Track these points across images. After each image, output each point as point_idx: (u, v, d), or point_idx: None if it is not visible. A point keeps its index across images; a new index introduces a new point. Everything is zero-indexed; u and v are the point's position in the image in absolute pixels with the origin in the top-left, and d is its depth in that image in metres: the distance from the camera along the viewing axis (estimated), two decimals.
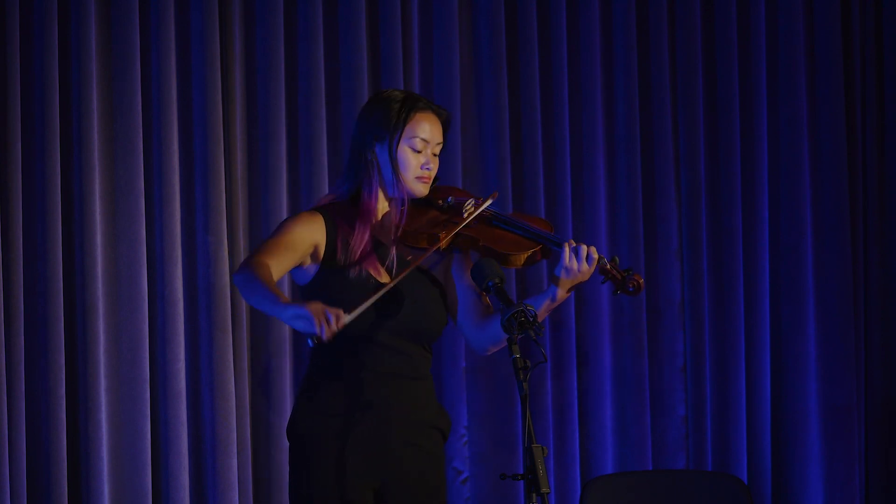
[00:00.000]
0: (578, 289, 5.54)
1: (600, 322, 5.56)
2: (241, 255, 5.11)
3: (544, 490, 3.23)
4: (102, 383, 4.94)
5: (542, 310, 3.63)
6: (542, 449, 3.26)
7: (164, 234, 5.03)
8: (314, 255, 3.59)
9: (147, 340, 5.00)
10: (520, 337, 3.41)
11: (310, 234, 3.57)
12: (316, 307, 3.30)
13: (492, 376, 5.43)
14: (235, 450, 5.06)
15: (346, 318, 3.34)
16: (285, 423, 5.10)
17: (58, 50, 4.94)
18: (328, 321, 3.29)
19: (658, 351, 5.63)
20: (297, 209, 5.12)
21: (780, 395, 5.73)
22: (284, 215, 5.14)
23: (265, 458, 5.15)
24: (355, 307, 3.42)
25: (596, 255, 3.61)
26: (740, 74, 5.72)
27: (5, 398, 4.84)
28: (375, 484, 3.59)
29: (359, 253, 3.57)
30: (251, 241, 5.15)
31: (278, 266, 3.51)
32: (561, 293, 3.62)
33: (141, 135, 5.03)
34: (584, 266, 3.59)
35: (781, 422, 5.72)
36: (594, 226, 5.56)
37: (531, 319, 3.40)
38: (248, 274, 3.42)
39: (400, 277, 3.55)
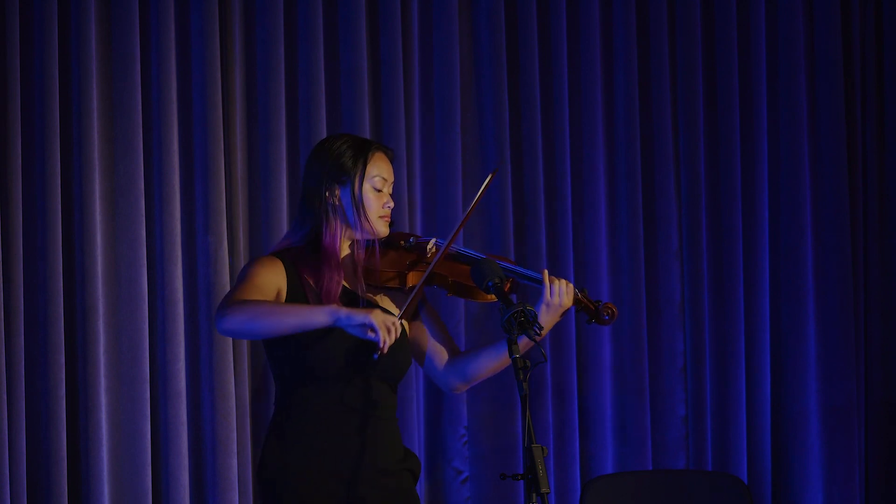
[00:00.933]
0: (579, 285, 5.55)
1: None
2: (241, 254, 5.11)
3: (544, 490, 3.23)
4: (102, 383, 4.94)
5: (523, 346, 3.60)
6: (542, 449, 3.26)
7: (164, 234, 5.03)
8: (277, 299, 3.59)
9: (147, 340, 5.00)
10: (518, 337, 3.42)
11: (274, 278, 3.59)
12: (378, 316, 3.36)
13: (492, 376, 5.42)
14: (235, 450, 5.06)
15: (398, 322, 3.43)
16: None
17: (58, 50, 4.94)
18: (389, 333, 3.38)
19: (658, 351, 5.63)
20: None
21: (780, 395, 5.73)
22: (284, 215, 5.14)
23: None
24: (330, 354, 3.51)
25: (572, 287, 3.68)
26: (740, 74, 5.72)
27: (5, 398, 4.84)
28: None
29: (333, 297, 3.57)
30: (251, 241, 5.15)
31: None
32: (542, 330, 3.58)
33: (141, 135, 5.02)
34: (566, 299, 3.65)
35: (781, 422, 5.72)
36: (594, 226, 5.56)
37: (531, 319, 3.41)
38: (246, 308, 3.42)
39: (411, 300, 3.59)
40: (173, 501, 4.99)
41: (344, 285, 3.63)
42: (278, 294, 3.59)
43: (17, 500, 4.85)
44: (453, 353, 3.78)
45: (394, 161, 3.75)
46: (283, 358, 3.57)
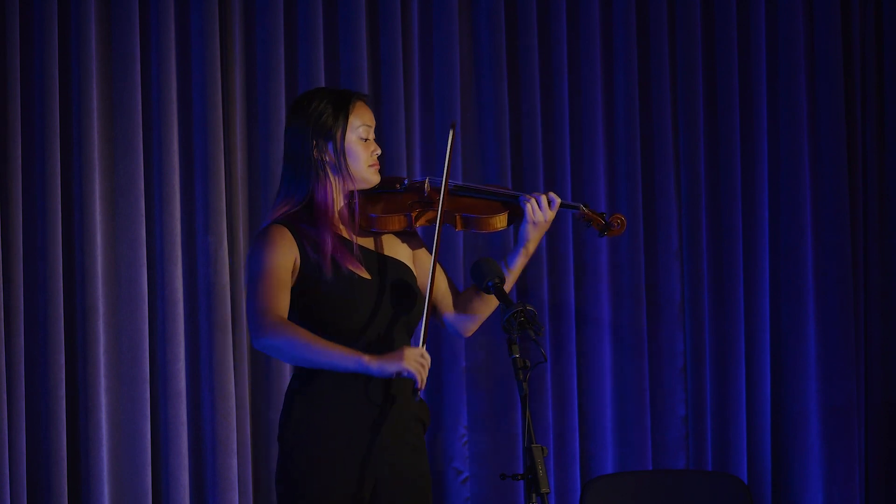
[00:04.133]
0: (579, 285, 5.56)
1: (600, 322, 5.56)
2: (241, 254, 5.11)
3: (544, 490, 3.23)
4: (102, 383, 4.94)
5: (518, 265, 3.72)
6: (542, 449, 3.27)
7: (164, 234, 5.03)
8: (293, 270, 3.61)
9: (147, 340, 5.00)
10: (519, 337, 3.42)
11: (289, 253, 3.60)
12: (410, 360, 3.43)
13: (492, 376, 5.43)
14: (235, 450, 5.05)
15: (424, 351, 3.49)
16: None
17: (58, 50, 4.94)
18: (424, 367, 3.44)
19: (658, 351, 5.63)
20: None
21: (780, 395, 5.73)
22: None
23: (265, 458, 5.15)
24: (349, 308, 3.54)
25: (558, 200, 3.71)
26: (740, 74, 5.71)
27: (5, 398, 4.84)
28: (370, 484, 3.60)
29: (331, 254, 3.59)
30: (251, 241, 5.14)
31: (285, 305, 3.56)
32: (532, 245, 3.73)
33: (141, 135, 5.02)
34: (549, 212, 3.70)
35: (781, 422, 5.72)
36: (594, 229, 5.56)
37: (531, 319, 3.40)
38: (286, 336, 3.47)
39: (436, 247, 3.61)
40: (173, 501, 4.99)
41: (345, 237, 3.64)
42: (294, 264, 3.59)
43: (17, 500, 4.85)
44: (456, 294, 3.80)
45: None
46: (304, 315, 3.59)
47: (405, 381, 3.62)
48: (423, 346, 3.49)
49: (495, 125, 5.43)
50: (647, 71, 5.64)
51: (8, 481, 4.83)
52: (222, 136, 5.09)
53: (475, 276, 3.62)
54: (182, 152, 5.09)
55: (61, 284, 4.91)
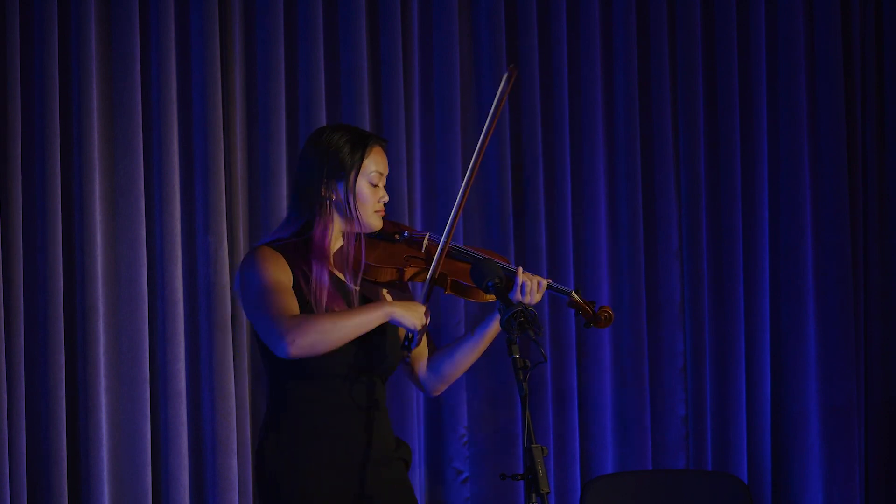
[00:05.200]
0: (579, 285, 5.55)
1: None
2: (241, 255, 5.11)
3: (544, 490, 3.23)
4: (102, 383, 4.94)
5: (488, 337, 3.69)
6: (542, 449, 3.26)
7: (164, 234, 5.03)
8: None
9: (147, 340, 5.00)
10: (519, 337, 3.42)
11: (284, 273, 3.57)
12: (424, 319, 3.54)
13: (492, 376, 5.43)
14: (235, 450, 5.06)
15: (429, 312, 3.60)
16: None
17: (58, 50, 4.94)
18: (425, 327, 3.55)
19: (658, 351, 5.63)
20: None
21: (780, 395, 5.73)
22: (284, 215, 5.13)
23: None
24: (334, 357, 3.55)
25: (545, 283, 3.69)
26: (740, 74, 5.72)
27: (5, 398, 4.84)
28: None
29: (321, 291, 3.57)
30: (251, 241, 5.15)
31: (296, 307, 3.53)
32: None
33: (141, 135, 5.03)
34: (536, 296, 3.68)
35: (781, 422, 5.72)
36: (594, 226, 5.56)
37: (531, 319, 3.41)
38: (311, 327, 3.45)
39: (428, 293, 3.63)
40: (173, 501, 4.99)
41: (340, 279, 3.63)
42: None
43: (17, 500, 4.85)
44: (431, 352, 3.80)
45: (389, 154, 3.76)
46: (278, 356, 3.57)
47: (376, 416, 3.62)
48: (425, 302, 3.59)
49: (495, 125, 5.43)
50: (647, 71, 5.64)
51: (8, 481, 4.83)
52: (222, 136, 5.09)
53: (475, 277, 3.62)
54: (182, 152, 5.09)
55: (61, 284, 4.91)
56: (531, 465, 3.24)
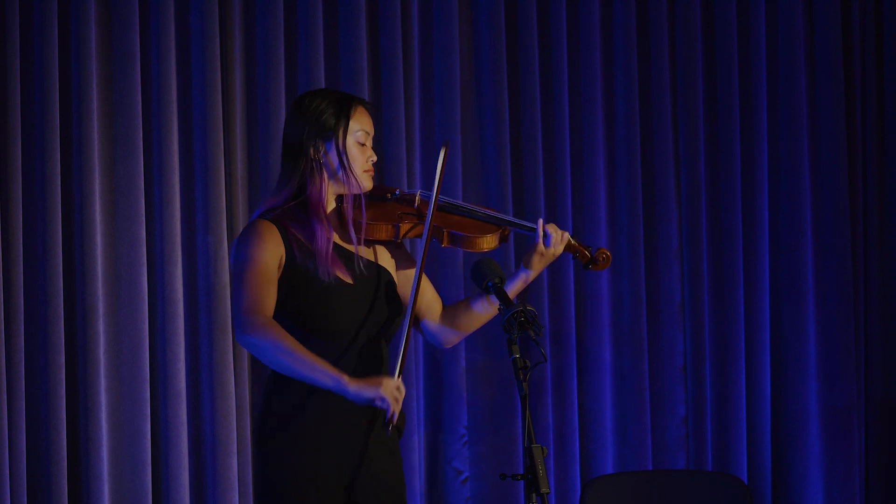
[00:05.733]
0: (579, 285, 5.55)
1: (600, 322, 5.56)
2: None
3: (544, 490, 3.23)
4: (102, 383, 4.94)
5: (515, 291, 3.72)
6: (542, 449, 3.27)
7: (164, 234, 5.03)
8: (280, 266, 3.61)
9: (147, 340, 5.00)
10: (519, 337, 3.42)
11: (274, 251, 3.60)
12: (387, 392, 3.43)
13: (492, 376, 5.43)
14: (235, 450, 5.06)
15: (401, 384, 3.47)
16: None
17: (58, 50, 4.94)
18: (398, 402, 3.44)
19: (658, 351, 5.63)
20: None
21: (780, 395, 5.73)
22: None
23: None
24: (329, 312, 3.55)
25: (567, 235, 3.71)
26: (740, 74, 5.71)
27: (5, 398, 4.84)
28: (344, 484, 3.60)
29: (327, 253, 3.59)
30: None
31: (272, 303, 3.55)
32: (534, 274, 3.73)
33: (141, 135, 5.03)
34: (559, 247, 3.70)
35: (781, 422, 5.72)
36: (594, 226, 5.56)
37: (531, 319, 3.41)
38: (271, 339, 3.45)
39: (422, 263, 3.60)
40: (173, 501, 4.99)
41: (337, 242, 3.65)
42: (280, 263, 3.59)
43: (17, 500, 4.85)
44: (440, 304, 3.81)
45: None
46: (282, 310, 3.58)
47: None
48: (398, 377, 3.48)
49: (495, 126, 5.43)
50: (647, 71, 5.64)
51: (8, 481, 4.83)
52: (222, 136, 5.09)
53: (475, 277, 3.62)
54: (182, 152, 5.09)
55: (61, 284, 4.91)
56: (531, 465, 3.24)
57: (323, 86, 5.21)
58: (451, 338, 3.80)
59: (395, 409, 3.43)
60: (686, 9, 5.66)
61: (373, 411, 3.58)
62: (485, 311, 3.76)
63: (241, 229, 5.11)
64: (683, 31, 5.67)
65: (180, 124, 5.09)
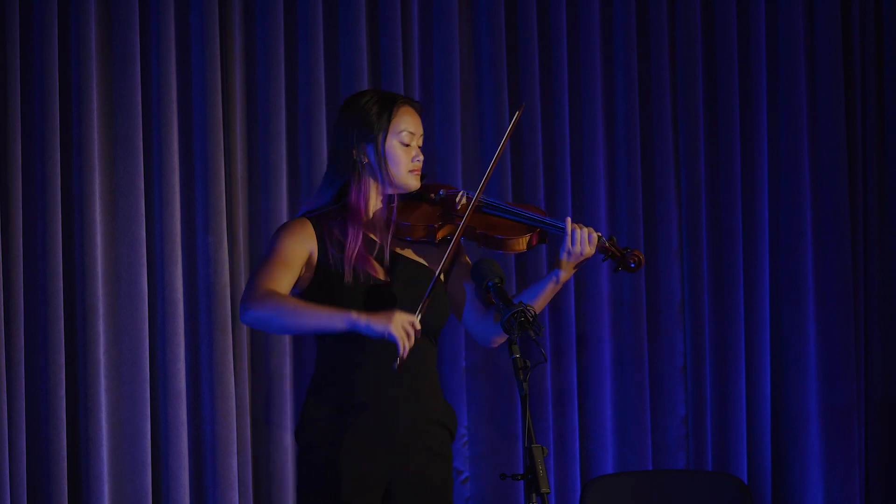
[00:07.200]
0: (579, 285, 5.56)
1: (600, 322, 5.56)
2: (242, 255, 5.11)
3: (544, 490, 3.23)
4: (102, 383, 4.94)
5: (547, 293, 3.69)
6: (542, 449, 3.26)
7: (164, 234, 5.03)
8: (308, 263, 3.61)
9: (147, 340, 5.00)
10: (519, 337, 3.42)
11: (302, 245, 3.60)
12: (397, 325, 3.39)
13: (492, 376, 5.43)
14: (235, 450, 5.06)
15: (417, 320, 3.43)
16: (285, 423, 5.11)
17: (58, 50, 4.94)
18: (409, 337, 3.40)
19: (658, 351, 5.63)
20: (297, 209, 5.12)
21: (780, 395, 5.73)
22: (284, 215, 5.14)
23: (265, 459, 5.15)
24: (367, 308, 3.49)
25: (596, 235, 3.68)
26: (740, 74, 5.72)
27: (5, 398, 4.84)
28: (383, 484, 3.60)
29: (354, 254, 3.58)
30: (251, 241, 5.15)
31: (284, 286, 3.55)
32: (564, 275, 3.70)
33: (141, 135, 5.03)
34: (587, 248, 3.67)
35: (781, 422, 5.72)
36: (594, 226, 5.51)
37: (531, 319, 3.41)
38: (272, 303, 3.45)
39: (445, 262, 3.59)
40: (173, 501, 4.99)
41: (373, 238, 3.63)
42: (309, 259, 3.59)
43: (17, 500, 4.85)
44: (489, 304, 3.76)
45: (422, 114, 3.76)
46: None
47: (423, 379, 3.61)
48: (417, 315, 3.46)
49: (495, 125, 5.43)
50: (647, 71, 5.64)
51: (8, 481, 4.83)
52: (222, 136, 5.09)
53: (475, 276, 3.62)
54: (182, 152, 5.09)
55: (61, 284, 4.91)
56: (531, 465, 3.24)
57: (323, 86, 5.21)
58: (493, 337, 3.76)
59: (405, 343, 3.40)
60: (686, 9, 5.66)
61: (416, 412, 3.58)
62: (534, 302, 3.71)
63: (241, 229, 5.13)
64: (683, 31, 5.67)
65: (180, 124, 5.09)
